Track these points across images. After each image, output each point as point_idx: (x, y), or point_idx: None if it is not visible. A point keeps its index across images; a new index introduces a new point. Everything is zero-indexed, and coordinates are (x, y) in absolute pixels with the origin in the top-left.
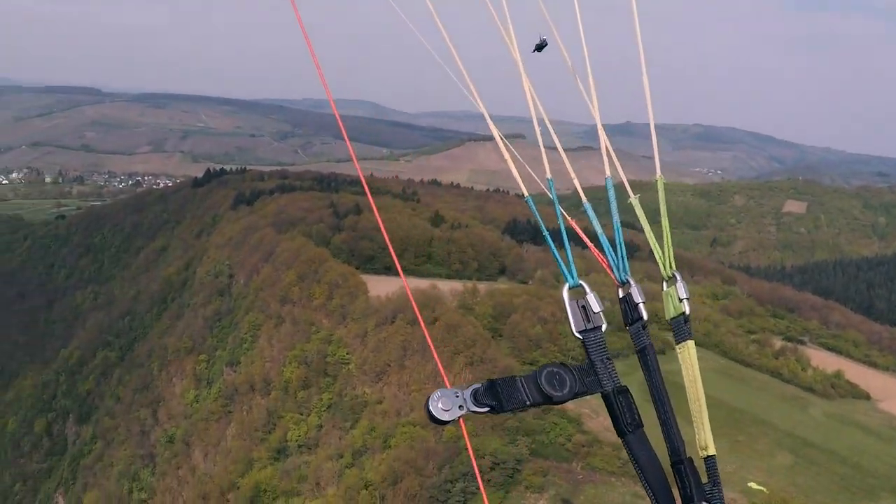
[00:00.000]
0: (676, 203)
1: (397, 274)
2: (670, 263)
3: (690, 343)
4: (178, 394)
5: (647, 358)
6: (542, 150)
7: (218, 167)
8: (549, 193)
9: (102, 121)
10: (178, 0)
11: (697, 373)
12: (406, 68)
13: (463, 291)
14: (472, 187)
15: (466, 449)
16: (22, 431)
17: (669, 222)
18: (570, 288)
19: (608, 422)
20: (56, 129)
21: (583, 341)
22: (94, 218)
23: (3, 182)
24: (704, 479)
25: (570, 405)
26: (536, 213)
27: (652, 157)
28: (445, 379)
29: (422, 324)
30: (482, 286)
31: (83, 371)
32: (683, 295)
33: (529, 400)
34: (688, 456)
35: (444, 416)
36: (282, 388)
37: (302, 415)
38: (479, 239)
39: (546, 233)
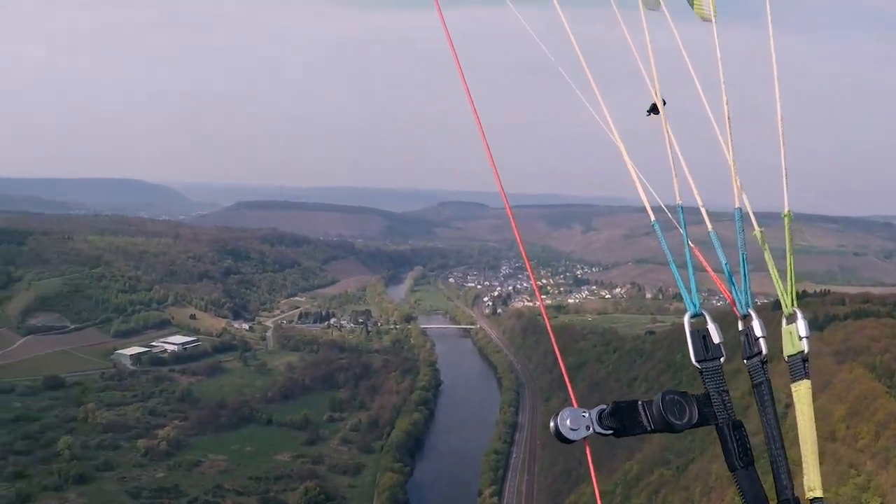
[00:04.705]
0: None
1: None
2: (792, 300)
3: (806, 383)
4: None
5: (763, 393)
6: (674, 172)
7: (816, 288)
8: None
9: None
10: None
11: (811, 413)
12: None
13: None
14: None
15: None
16: None
17: (793, 257)
18: (691, 316)
19: None
20: (660, 247)
21: (701, 371)
22: (680, 335)
23: (607, 296)
24: None
25: None
26: (663, 240)
27: None
28: (574, 399)
29: (556, 348)
30: None
31: (639, 485)
32: (804, 333)
33: (651, 426)
34: (795, 496)
35: (572, 436)
36: None
37: None
38: None
39: (671, 259)
